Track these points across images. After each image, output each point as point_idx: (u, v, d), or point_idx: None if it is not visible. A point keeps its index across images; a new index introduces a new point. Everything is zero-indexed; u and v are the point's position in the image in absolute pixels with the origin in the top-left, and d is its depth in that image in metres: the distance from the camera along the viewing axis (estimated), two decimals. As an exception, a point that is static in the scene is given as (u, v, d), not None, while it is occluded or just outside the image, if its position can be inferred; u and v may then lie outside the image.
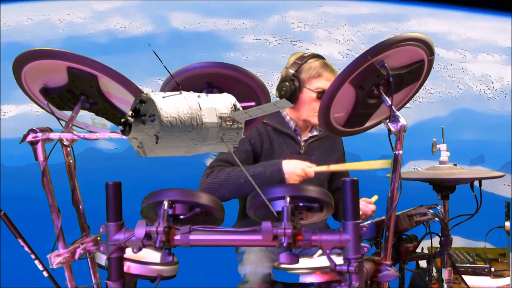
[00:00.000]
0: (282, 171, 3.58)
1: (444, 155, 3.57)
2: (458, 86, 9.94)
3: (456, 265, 3.83)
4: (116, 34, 10.05)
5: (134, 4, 10.56)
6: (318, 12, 10.57)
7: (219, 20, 10.17)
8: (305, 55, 3.93)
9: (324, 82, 3.79)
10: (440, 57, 9.96)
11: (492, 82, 9.99)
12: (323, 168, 3.63)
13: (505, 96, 9.73)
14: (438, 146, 3.56)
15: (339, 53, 9.39)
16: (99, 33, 10.00)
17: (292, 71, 3.85)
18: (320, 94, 3.77)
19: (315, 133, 3.99)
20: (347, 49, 9.43)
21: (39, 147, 2.54)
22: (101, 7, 10.44)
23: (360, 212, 3.55)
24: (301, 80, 3.84)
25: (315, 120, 3.71)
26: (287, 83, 3.83)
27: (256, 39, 10.01)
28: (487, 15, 10.33)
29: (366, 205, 3.71)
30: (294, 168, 3.59)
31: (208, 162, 3.93)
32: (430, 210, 3.02)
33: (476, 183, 3.56)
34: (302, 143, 3.95)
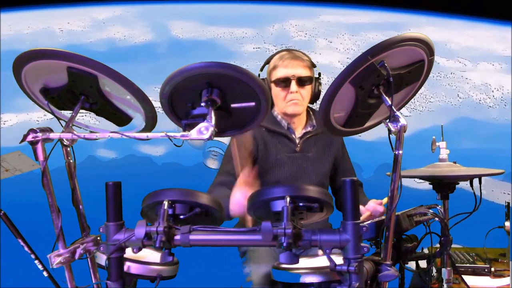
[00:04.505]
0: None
1: (444, 153, 3.57)
2: (458, 94, 9.96)
3: (456, 265, 3.84)
4: (116, 42, 10.07)
5: (134, 13, 10.58)
6: (318, 21, 10.59)
7: (219, 28, 10.19)
8: (273, 54, 4.02)
9: (282, 70, 3.84)
10: (440, 65, 9.97)
11: (492, 91, 10.01)
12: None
13: (505, 105, 9.75)
14: (437, 143, 3.56)
15: (339, 61, 9.41)
16: (98, 41, 10.03)
17: (260, 72, 4.00)
18: (279, 82, 3.85)
19: (309, 128, 3.99)
20: (347, 58, 9.45)
21: (39, 147, 2.53)
22: (101, 16, 10.47)
23: (368, 213, 3.58)
24: (267, 79, 3.95)
25: (290, 109, 3.87)
26: None
27: (256, 48, 10.03)
28: (487, 24, 10.36)
29: (376, 206, 3.69)
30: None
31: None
32: (430, 210, 3.01)
33: (475, 182, 3.57)
34: (297, 141, 3.96)
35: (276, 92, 3.85)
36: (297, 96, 3.82)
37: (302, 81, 3.81)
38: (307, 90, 3.86)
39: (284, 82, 3.81)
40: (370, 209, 3.67)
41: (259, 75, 3.95)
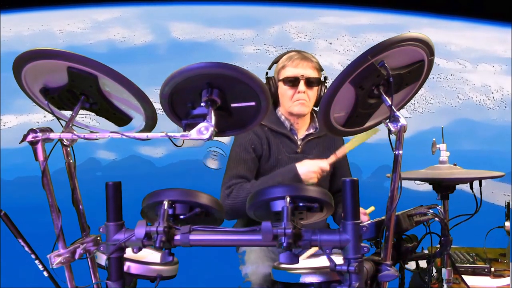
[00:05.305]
0: (298, 174, 3.66)
1: (444, 155, 3.58)
2: (458, 96, 9.95)
3: (456, 265, 3.83)
4: (116, 44, 10.06)
5: (134, 14, 10.57)
6: (318, 23, 10.58)
7: (219, 30, 10.18)
8: (282, 53, 4.07)
9: (291, 69, 3.90)
10: (440, 67, 9.96)
11: (492, 92, 9.99)
12: (333, 158, 3.69)
13: (505, 107, 9.73)
14: (437, 145, 3.56)
15: (339, 63, 9.41)
16: (99, 43, 10.01)
17: (267, 70, 4.05)
18: (287, 81, 3.91)
19: (311, 131, 4.05)
20: (347, 59, 9.43)
21: (39, 147, 2.53)
22: (101, 17, 10.46)
23: None
24: (274, 77, 4.01)
25: (296, 109, 3.92)
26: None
27: (256, 49, 10.02)
28: (487, 25, 10.34)
29: (361, 216, 3.72)
30: (309, 167, 3.69)
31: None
32: (430, 210, 3.01)
33: (476, 184, 3.57)
34: (299, 142, 4.01)
35: (284, 90, 3.90)
36: (304, 97, 3.86)
37: (310, 82, 3.85)
38: (314, 92, 3.89)
39: (293, 82, 3.86)
40: None
41: (267, 73, 4.01)
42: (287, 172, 3.69)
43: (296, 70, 3.86)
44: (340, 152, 3.72)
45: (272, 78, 3.99)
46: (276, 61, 4.01)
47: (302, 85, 3.84)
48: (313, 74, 3.89)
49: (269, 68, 4.03)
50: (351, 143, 3.66)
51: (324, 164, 3.68)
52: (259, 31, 10.35)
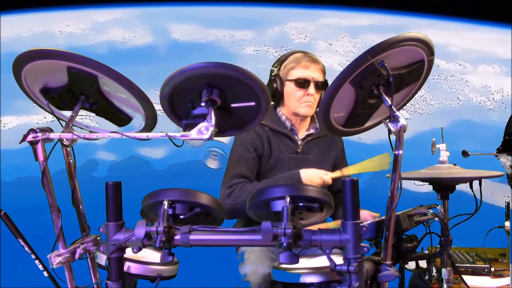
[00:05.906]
0: (301, 181, 3.68)
1: (444, 155, 3.57)
2: (458, 97, 9.94)
3: (456, 265, 3.83)
4: (116, 45, 10.05)
5: (134, 15, 10.57)
6: (318, 24, 10.58)
7: (219, 31, 10.18)
8: (287, 52, 4.04)
9: (301, 71, 3.89)
10: (440, 68, 9.96)
11: (492, 94, 9.98)
12: (337, 174, 3.68)
13: (505, 108, 9.72)
14: (437, 145, 3.56)
15: (339, 64, 9.40)
16: (99, 44, 10.00)
17: (273, 68, 4.01)
18: (298, 83, 3.89)
19: (312, 131, 4.05)
20: (347, 60, 9.40)
21: (39, 147, 2.53)
22: (101, 18, 10.45)
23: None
24: (282, 76, 3.95)
25: (303, 110, 3.92)
26: (270, 82, 4.00)
27: (256, 50, 10.02)
28: (487, 26, 10.34)
29: (367, 217, 3.72)
30: (312, 177, 3.71)
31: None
32: (430, 210, 3.01)
33: (476, 184, 3.56)
34: (299, 142, 4.01)
35: (292, 91, 3.91)
36: (312, 99, 3.88)
37: (319, 86, 3.87)
38: (320, 95, 3.90)
39: (303, 83, 3.85)
40: (362, 218, 3.69)
41: (272, 71, 3.99)
42: (290, 177, 3.70)
43: (307, 72, 3.86)
44: (346, 171, 3.71)
45: (278, 76, 3.96)
46: (282, 60, 3.98)
47: (311, 88, 3.85)
48: (321, 77, 3.90)
49: (275, 67, 4.00)
50: (360, 167, 3.66)
51: (327, 178, 3.68)
52: (259, 32, 10.35)
